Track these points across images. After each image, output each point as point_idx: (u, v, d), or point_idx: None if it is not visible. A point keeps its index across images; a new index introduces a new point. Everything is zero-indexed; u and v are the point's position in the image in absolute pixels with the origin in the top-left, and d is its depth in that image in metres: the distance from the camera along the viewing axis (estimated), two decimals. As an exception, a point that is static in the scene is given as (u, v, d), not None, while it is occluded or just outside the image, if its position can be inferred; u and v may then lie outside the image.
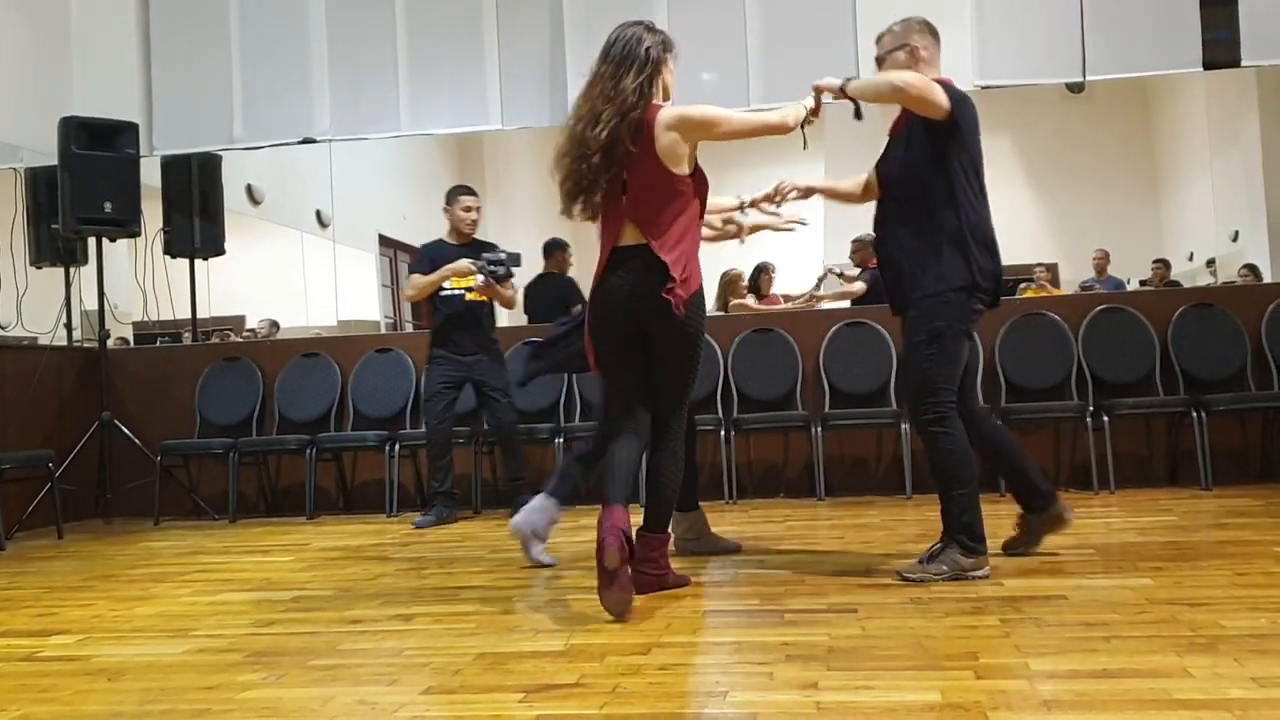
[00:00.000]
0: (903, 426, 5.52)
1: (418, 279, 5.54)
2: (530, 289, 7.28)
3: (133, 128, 6.35)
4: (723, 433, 5.70)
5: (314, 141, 6.81)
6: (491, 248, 5.61)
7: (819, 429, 5.61)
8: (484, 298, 5.54)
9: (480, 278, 5.42)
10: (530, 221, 16.18)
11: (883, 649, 2.52)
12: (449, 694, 2.33)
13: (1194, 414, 5.30)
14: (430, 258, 5.58)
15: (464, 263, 5.46)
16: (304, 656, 2.75)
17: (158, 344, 7.60)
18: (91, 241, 6.41)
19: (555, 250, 7.57)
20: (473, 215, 5.64)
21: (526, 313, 7.18)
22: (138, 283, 6.94)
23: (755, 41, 6.42)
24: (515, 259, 5.55)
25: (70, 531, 5.70)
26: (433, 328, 5.61)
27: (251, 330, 9.92)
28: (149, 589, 3.92)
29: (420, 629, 3.00)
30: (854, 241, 7.73)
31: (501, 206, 14.66)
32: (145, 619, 3.35)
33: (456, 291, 5.50)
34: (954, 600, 3.00)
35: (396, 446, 5.94)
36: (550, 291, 7.21)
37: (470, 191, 5.72)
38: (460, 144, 13.85)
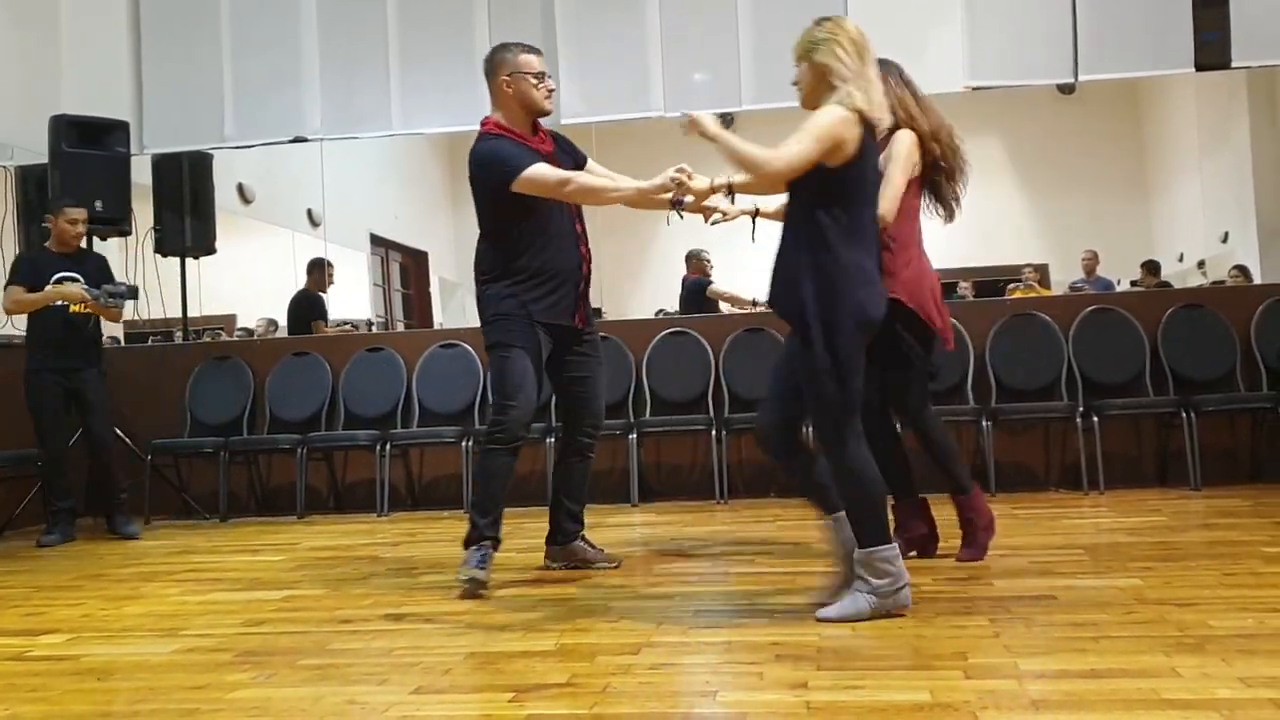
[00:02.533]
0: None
1: (21, 295, 5.35)
2: (290, 305, 7.86)
3: (123, 126, 6.33)
4: (714, 432, 5.71)
5: (305, 140, 6.79)
6: (94, 257, 5.60)
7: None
8: (88, 310, 5.43)
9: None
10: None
11: (872, 649, 2.52)
12: (439, 693, 2.33)
13: (1183, 415, 5.32)
14: (32, 267, 5.44)
15: (76, 290, 5.33)
16: (294, 656, 2.74)
17: (149, 343, 7.59)
18: (82, 240, 6.38)
19: (314, 269, 8.06)
20: (78, 228, 5.54)
21: (288, 324, 7.84)
22: (128, 281, 6.91)
23: (747, 42, 6.43)
24: (133, 292, 5.59)
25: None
26: (32, 335, 5.46)
27: (248, 329, 9.90)
28: (138, 588, 3.91)
29: (410, 629, 3.00)
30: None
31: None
32: (134, 618, 3.34)
33: (61, 302, 5.38)
34: (944, 600, 3.01)
35: (388, 446, 5.94)
36: (301, 308, 7.72)
37: (77, 205, 5.61)
38: (451, 143, 13.81)
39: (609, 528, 5.00)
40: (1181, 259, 13.93)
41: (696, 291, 8.39)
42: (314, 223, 10.51)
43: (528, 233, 3.60)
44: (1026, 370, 5.74)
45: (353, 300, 11.12)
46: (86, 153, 6.10)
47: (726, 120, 19.72)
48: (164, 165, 6.87)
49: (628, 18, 6.55)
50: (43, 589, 3.97)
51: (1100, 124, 15.95)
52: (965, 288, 11.56)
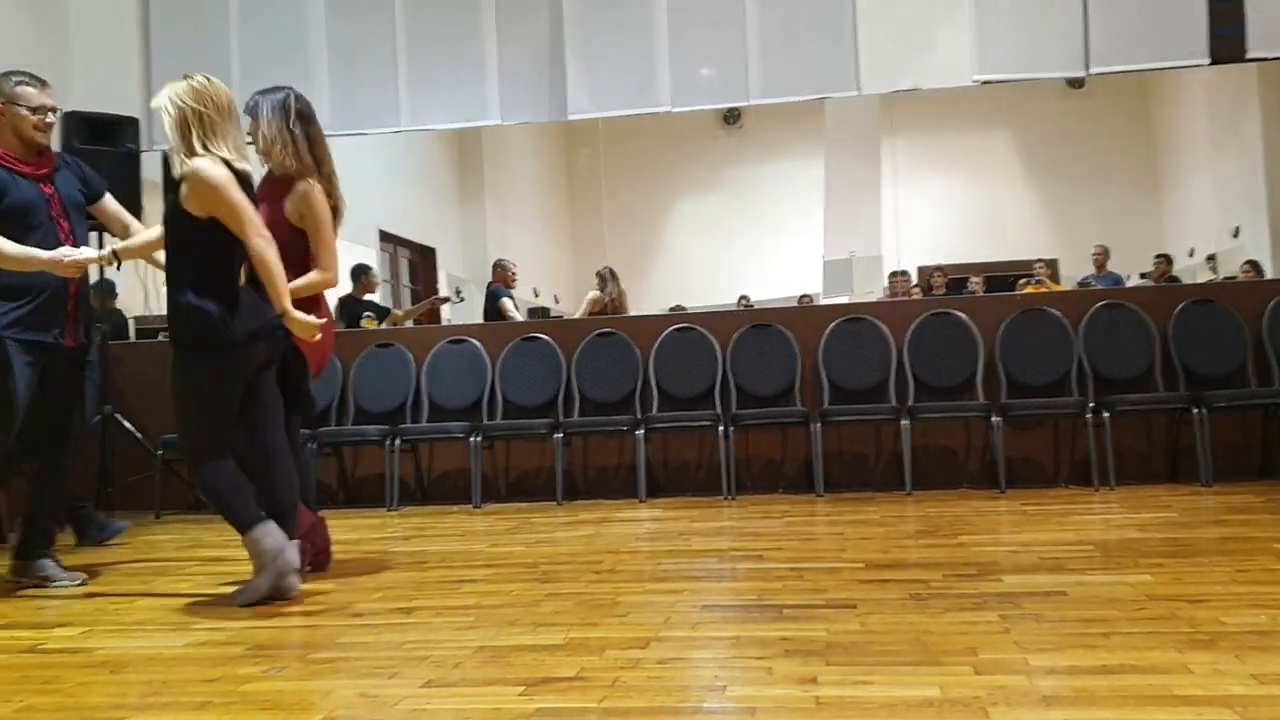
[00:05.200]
0: (902, 423, 5.53)
1: None
2: (337, 310, 8.22)
3: (133, 122, 6.34)
4: (721, 429, 5.71)
5: (314, 136, 6.79)
6: None
7: (817, 425, 5.61)
8: None
9: None
10: (528, 215, 16.23)
11: (882, 644, 2.52)
12: (449, 687, 2.34)
13: (1194, 410, 5.31)
14: None
15: None
16: (305, 649, 2.75)
17: (159, 338, 7.60)
18: (93, 236, 6.39)
19: (361, 274, 8.60)
20: None
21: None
22: (138, 277, 6.95)
23: (754, 37, 6.42)
24: None
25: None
26: None
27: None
28: (150, 582, 3.93)
29: (420, 622, 3.01)
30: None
31: (500, 201, 14.67)
32: (146, 611, 3.35)
33: None
34: (953, 596, 3.00)
35: (397, 441, 5.95)
36: (346, 314, 8.20)
37: None
38: (460, 139, 13.87)
39: (616, 523, 5.00)
40: (1192, 254, 13.89)
41: (495, 299, 9.03)
42: (323, 219, 10.53)
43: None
44: (1036, 366, 5.73)
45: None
46: (97, 149, 6.11)
47: (733, 115, 19.54)
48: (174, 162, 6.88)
49: (634, 13, 6.55)
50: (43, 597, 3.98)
51: (1110, 118, 15.93)
52: (975, 283, 11.53)
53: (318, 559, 3.89)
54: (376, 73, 6.72)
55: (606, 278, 8.75)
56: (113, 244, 3.97)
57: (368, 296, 8.62)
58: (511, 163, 15.39)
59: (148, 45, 6.95)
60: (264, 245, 3.32)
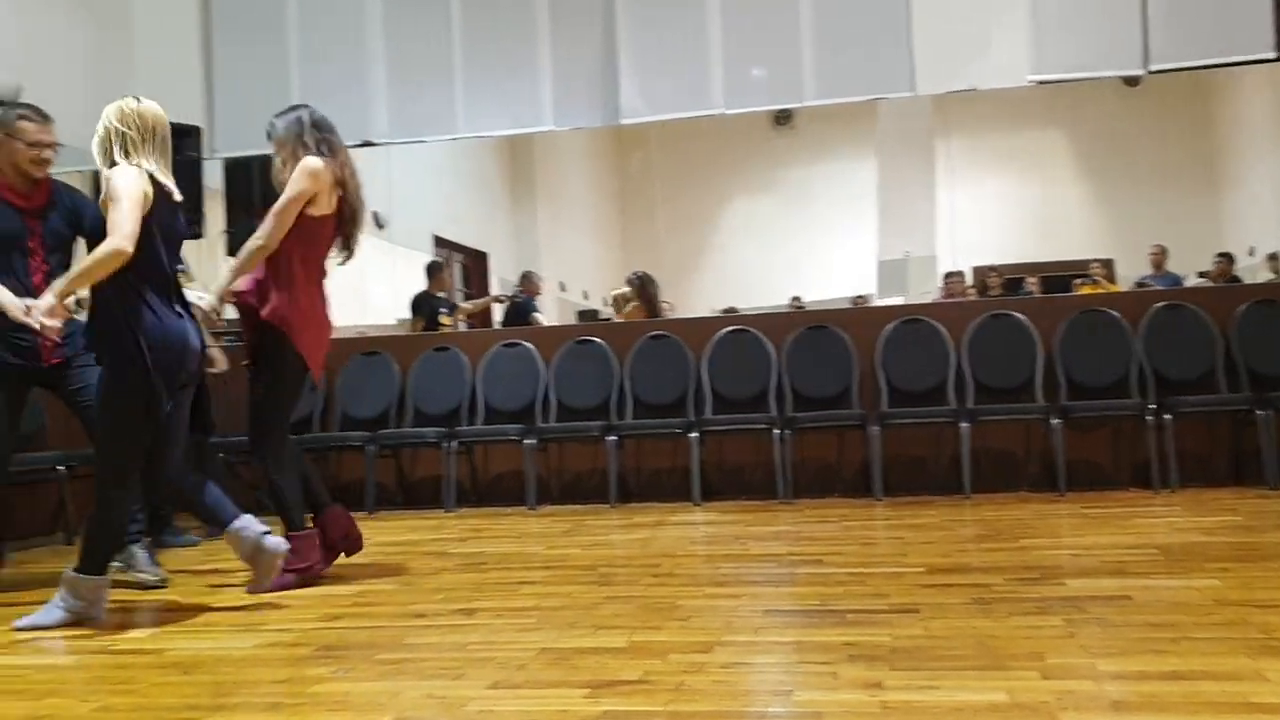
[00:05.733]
0: (962, 425, 5.48)
1: None
2: (414, 305, 8.76)
3: (195, 130, 6.46)
4: (776, 431, 5.69)
5: (373, 144, 6.88)
6: None
7: (876, 428, 5.57)
8: None
9: None
10: (579, 219, 16.29)
11: (946, 649, 2.51)
12: (515, 688, 2.36)
13: (1259, 412, 5.20)
14: None
15: None
16: (371, 650, 2.79)
17: (223, 342, 7.74)
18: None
19: (436, 271, 9.04)
20: None
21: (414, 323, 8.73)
22: (202, 284, 7.06)
23: (808, 36, 6.39)
24: None
25: (137, 527, 5.82)
26: None
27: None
28: (215, 583, 4.01)
29: (482, 624, 3.04)
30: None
31: (552, 205, 14.75)
32: (213, 613, 3.42)
33: None
34: (1016, 600, 2.98)
35: (454, 443, 6.01)
36: (425, 309, 8.65)
37: None
38: (511, 144, 13.97)
39: (671, 526, 5.01)
40: (1253, 253, 13.60)
41: (524, 310, 9.45)
42: (380, 225, 10.65)
43: None
44: (1096, 367, 5.65)
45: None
46: (160, 158, 6.24)
47: (785, 116, 19.33)
48: (235, 169, 7.00)
49: (687, 15, 6.56)
50: (120, 584, 4.07)
51: (1167, 115, 15.66)
52: (1032, 283, 11.40)
53: (347, 544, 4.02)
54: (433, 80, 6.79)
55: (635, 286, 7.73)
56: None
57: (441, 293, 8.87)
58: (563, 167, 15.46)
59: (209, 55, 7.08)
60: (114, 248, 3.20)
